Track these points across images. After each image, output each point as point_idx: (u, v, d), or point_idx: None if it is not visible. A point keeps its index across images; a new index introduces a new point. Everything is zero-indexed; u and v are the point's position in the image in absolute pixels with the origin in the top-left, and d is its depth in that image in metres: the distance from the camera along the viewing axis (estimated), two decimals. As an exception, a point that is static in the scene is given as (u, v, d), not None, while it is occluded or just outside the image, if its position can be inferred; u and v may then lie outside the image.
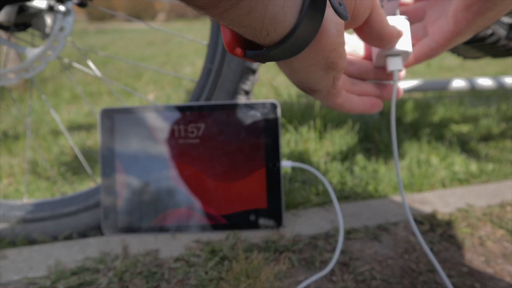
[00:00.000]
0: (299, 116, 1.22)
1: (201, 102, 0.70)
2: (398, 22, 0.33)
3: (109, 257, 0.61)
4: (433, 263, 0.37)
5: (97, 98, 1.94)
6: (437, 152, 1.08)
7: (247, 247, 0.62)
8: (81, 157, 0.78)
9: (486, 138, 1.24)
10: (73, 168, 1.04)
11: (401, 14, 0.37)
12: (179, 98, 1.93)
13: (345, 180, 0.89)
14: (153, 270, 0.58)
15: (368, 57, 0.37)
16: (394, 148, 0.34)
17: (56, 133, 1.37)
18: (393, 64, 0.34)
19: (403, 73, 0.36)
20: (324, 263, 0.61)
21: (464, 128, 1.30)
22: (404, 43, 0.33)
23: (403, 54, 0.34)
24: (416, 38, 0.36)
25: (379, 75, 0.37)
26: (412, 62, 0.36)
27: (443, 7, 0.32)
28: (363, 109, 0.37)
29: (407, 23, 0.33)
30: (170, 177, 0.69)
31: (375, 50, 0.34)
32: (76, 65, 0.77)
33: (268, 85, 2.18)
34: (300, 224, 0.70)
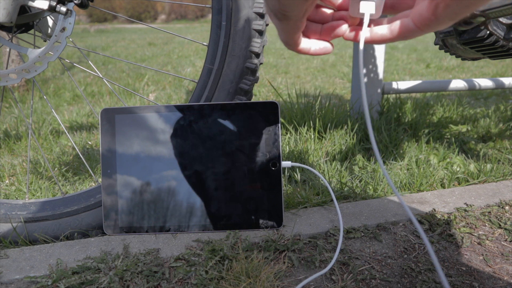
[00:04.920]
0: (299, 116, 1.23)
1: (202, 103, 0.71)
2: None
3: (110, 257, 0.62)
4: (433, 261, 0.37)
5: (98, 98, 1.95)
6: (436, 152, 1.08)
7: (247, 246, 0.63)
8: (82, 157, 0.78)
9: (485, 138, 1.25)
10: (74, 168, 1.04)
11: (389, 4, 0.38)
12: (180, 98, 1.93)
13: (345, 180, 0.89)
14: (153, 270, 0.58)
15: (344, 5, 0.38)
16: (369, 125, 0.34)
17: (57, 133, 1.38)
18: (366, 7, 0.35)
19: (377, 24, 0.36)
20: (324, 262, 0.61)
21: (463, 128, 1.30)
22: None
23: (377, 1, 0.34)
24: (398, 18, 0.36)
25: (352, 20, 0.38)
26: (388, 38, 0.37)
27: None
28: (319, 51, 0.39)
29: None
30: (170, 177, 0.69)
31: None
32: (77, 65, 0.78)
33: (268, 85, 2.18)
34: (300, 224, 0.70)
